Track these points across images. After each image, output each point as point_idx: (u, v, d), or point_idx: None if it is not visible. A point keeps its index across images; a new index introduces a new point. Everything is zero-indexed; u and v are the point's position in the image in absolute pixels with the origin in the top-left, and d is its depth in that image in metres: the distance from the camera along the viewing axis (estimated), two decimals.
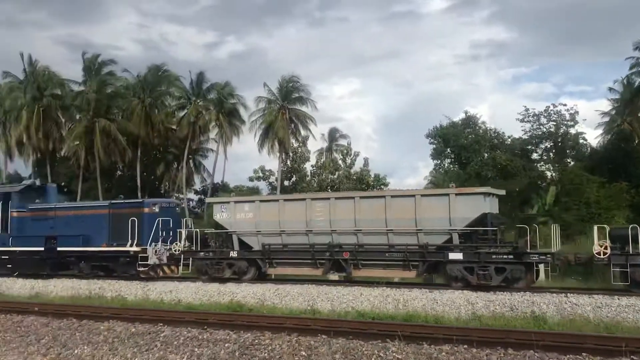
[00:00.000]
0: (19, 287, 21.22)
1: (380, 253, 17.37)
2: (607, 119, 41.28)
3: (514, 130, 48.02)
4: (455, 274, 16.11)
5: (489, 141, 41.71)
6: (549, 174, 40.32)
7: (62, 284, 20.73)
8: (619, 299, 13.60)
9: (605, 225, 15.89)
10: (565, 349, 9.18)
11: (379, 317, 13.71)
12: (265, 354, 10.08)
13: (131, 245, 20.11)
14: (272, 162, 47.05)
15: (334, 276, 18.93)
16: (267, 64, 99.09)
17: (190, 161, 47.96)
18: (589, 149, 41.13)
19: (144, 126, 41.97)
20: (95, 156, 41.33)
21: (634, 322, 12.49)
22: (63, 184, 32.84)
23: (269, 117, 43.85)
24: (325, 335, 10.65)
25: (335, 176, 44.96)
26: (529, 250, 15.67)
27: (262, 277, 19.51)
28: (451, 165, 42.97)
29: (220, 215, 19.71)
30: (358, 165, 47.03)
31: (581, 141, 40.74)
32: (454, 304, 14.46)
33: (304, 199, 19.03)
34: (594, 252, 14.76)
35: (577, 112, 39.68)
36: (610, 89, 40.78)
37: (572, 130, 39.97)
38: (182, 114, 45.61)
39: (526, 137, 40.81)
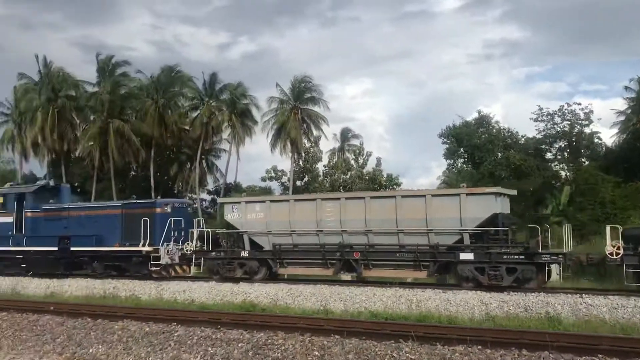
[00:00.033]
0: (34, 286, 21.42)
1: (390, 253, 17.33)
2: (622, 117, 40.78)
3: (528, 129, 47.77)
4: (466, 275, 16.06)
5: (502, 141, 41.45)
6: (563, 173, 40.01)
7: (76, 284, 20.91)
8: (635, 300, 13.43)
9: (617, 226, 15.72)
10: (580, 350, 9.08)
11: (392, 317, 13.67)
12: (279, 354, 10.08)
13: (143, 245, 20.21)
14: (285, 162, 47.20)
15: (346, 276, 18.90)
16: (279, 64, 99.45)
17: (203, 161, 48.16)
18: (604, 148, 40.71)
19: (157, 127, 42.20)
20: (109, 157, 41.65)
21: None
22: (77, 184, 33.14)
23: (281, 118, 43.92)
24: (338, 336, 10.63)
25: (348, 176, 44.89)
26: (540, 251, 15.56)
27: (273, 277, 19.54)
28: (464, 165, 42.76)
29: (232, 215, 19.77)
30: (370, 165, 46.97)
31: (596, 140, 40.36)
32: (467, 304, 14.38)
33: (314, 199, 19.05)
34: (607, 253, 14.61)
35: (591, 111, 39.38)
36: (626, 87, 40.39)
37: (587, 130, 39.64)
38: (195, 114, 45.78)
39: (540, 137, 40.51)
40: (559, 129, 39.77)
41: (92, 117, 44.17)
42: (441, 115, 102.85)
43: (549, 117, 39.83)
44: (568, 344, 9.39)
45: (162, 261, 20.02)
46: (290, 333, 10.98)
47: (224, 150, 48.88)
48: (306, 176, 46.54)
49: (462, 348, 9.53)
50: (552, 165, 40.75)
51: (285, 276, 20.28)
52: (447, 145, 43.53)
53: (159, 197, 38.07)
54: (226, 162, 47.64)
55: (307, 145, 46.20)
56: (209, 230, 20.48)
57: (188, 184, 48.82)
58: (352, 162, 47.28)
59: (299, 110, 44.20)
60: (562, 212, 29.90)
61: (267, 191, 45.03)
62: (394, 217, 17.09)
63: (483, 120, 43.32)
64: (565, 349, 9.14)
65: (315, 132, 46.28)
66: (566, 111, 39.58)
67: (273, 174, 47.41)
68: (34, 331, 13.04)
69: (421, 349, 9.65)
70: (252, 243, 19.48)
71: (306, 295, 16.30)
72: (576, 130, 39.39)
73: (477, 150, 40.97)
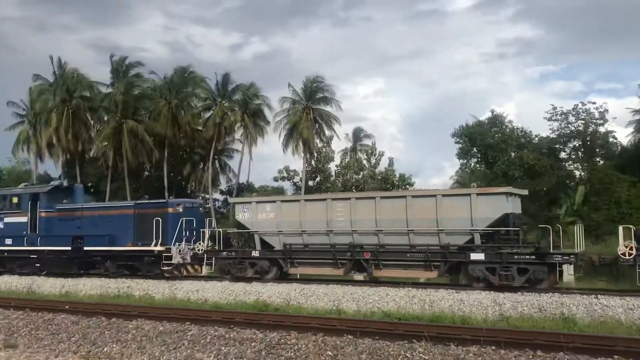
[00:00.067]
0: (49, 286, 21.62)
1: (401, 253, 17.29)
2: (637, 116, 40.31)
3: (542, 129, 47.20)
4: (477, 275, 15.99)
5: (515, 140, 41.09)
6: (577, 173, 39.59)
7: (91, 283, 21.08)
8: None
9: (630, 226, 15.54)
10: (596, 352, 9.02)
11: (405, 317, 13.64)
12: (292, 354, 10.09)
13: (155, 245, 20.34)
14: (297, 162, 47.23)
15: (358, 276, 18.88)
16: (291, 64, 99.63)
17: (216, 162, 48.34)
18: (619, 147, 40.21)
19: (170, 127, 42.44)
20: (123, 157, 41.95)
21: None
22: (92, 184, 33.37)
23: (293, 118, 43.96)
24: (351, 336, 10.63)
25: (360, 176, 44.85)
26: (551, 251, 15.43)
27: (283, 277, 19.58)
28: (477, 165, 42.51)
29: (243, 215, 19.84)
30: (383, 165, 46.93)
31: (611, 140, 39.88)
32: (480, 304, 14.31)
33: (324, 199, 19.04)
34: (619, 253, 14.45)
35: (606, 110, 38.82)
36: None
37: (602, 129, 39.18)
38: (207, 115, 46.00)
39: (554, 136, 40.11)
40: (573, 128, 39.35)
41: (106, 118, 44.56)
42: (453, 115, 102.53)
43: (563, 116, 39.41)
44: (583, 345, 9.32)
45: (174, 261, 20.12)
46: (303, 333, 11.00)
47: (237, 150, 49.11)
48: (318, 176, 46.55)
49: (476, 348, 9.49)
50: (566, 164, 40.34)
51: (298, 276, 20.31)
52: (460, 145, 43.23)
53: (171, 197, 38.31)
54: (239, 162, 47.84)
55: (319, 145, 46.22)
56: (220, 230, 20.55)
57: (201, 184, 49.06)
58: (365, 162, 47.25)
59: (311, 110, 44.19)
60: (576, 212, 29.66)
61: (280, 191, 45.10)
62: (405, 217, 17.06)
63: (496, 120, 42.95)
64: (581, 350, 9.08)
65: (327, 132, 46.34)
66: (580, 110, 39.14)
67: (285, 174, 47.53)
68: (49, 330, 13.16)
69: (434, 349, 9.62)
70: (263, 243, 19.53)
71: (319, 295, 16.30)
72: (591, 129, 38.93)
73: (490, 150, 40.67)
